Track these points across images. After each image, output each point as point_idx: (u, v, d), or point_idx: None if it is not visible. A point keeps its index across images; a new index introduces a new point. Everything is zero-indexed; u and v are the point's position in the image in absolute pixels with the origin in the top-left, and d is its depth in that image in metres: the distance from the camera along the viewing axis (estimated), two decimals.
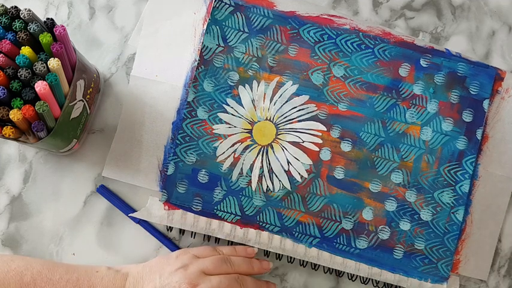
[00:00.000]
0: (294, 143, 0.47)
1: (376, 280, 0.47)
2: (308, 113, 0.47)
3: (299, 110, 0.47)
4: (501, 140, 0.49)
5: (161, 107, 0.47)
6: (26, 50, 0.36)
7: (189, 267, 0.41)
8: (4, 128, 0.36)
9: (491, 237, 0.49)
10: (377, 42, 0.48)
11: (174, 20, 0.48)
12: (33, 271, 0.38)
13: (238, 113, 0.47)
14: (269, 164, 0.47)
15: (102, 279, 0.40)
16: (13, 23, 0.36)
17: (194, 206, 0.46)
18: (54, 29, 0.36)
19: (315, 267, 0.47)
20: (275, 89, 0.47)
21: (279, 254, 0.47)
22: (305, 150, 0.47)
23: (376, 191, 0.47)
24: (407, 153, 0.47)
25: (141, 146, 0.47)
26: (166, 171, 0.46)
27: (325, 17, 0.48)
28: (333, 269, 0.47)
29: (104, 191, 0.46)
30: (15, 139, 0.38)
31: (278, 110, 0.47)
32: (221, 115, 0.47)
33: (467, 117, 0.48)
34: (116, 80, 0.48)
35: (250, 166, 0.46)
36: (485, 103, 0.48)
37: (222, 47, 0.47)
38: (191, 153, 0.46)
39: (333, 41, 0.48)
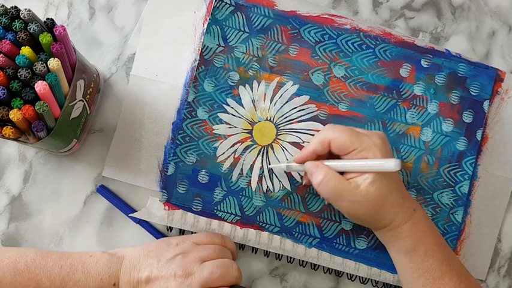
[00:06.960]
0: (294, 144, 0.47)
1: (375, 280, 0.47)
2: (308, 113, 0.47)
3: (299, 110, 0.47)
4: (501, 141, 0.49)
5: (161, 107, 0.47)
6: (26, 50, 0.35)
7: (188, 255, 0.40)
8: (4, 128, 0.36)
9: (490, 237, 0.49)
10: (378, 42, 0.48)
11: (174, 19, 0.48)
12: (27, 259, 0.38)
13: (239, 113, 0.47)
14: (269, 164, 0.47)
15: (96, 263, 0.39)
16: (13, 23, 0.36)
17: (194, 206, 0.46)
18: (54, 29, 0.36)
19: (314, 267, 0.47)
20: (275, 89, 0.47)
21: (279, 254, 0.47)
22: None
23: None
24: (408, 154, 0.47)
25: (141, 146, 0.47)
26: (167, 172, 0.46)
27: (326, 16, 0.48)
28: (332, 269, 0.47)
29: (104, 191, 0.46)
30: (15, 139, 0.37)
31: (278, 110, 0.47)
32: (221, 115, 0.47)
33: (467, 118, 0.48)
34: (115, 79, 0.48)
35: (250, 166, 0.46)
36: (486, 104, 0.48)
37: (223, 46, 0.47)
38: (191, 154, 0.46)
39: (334, 41, 0.48)
